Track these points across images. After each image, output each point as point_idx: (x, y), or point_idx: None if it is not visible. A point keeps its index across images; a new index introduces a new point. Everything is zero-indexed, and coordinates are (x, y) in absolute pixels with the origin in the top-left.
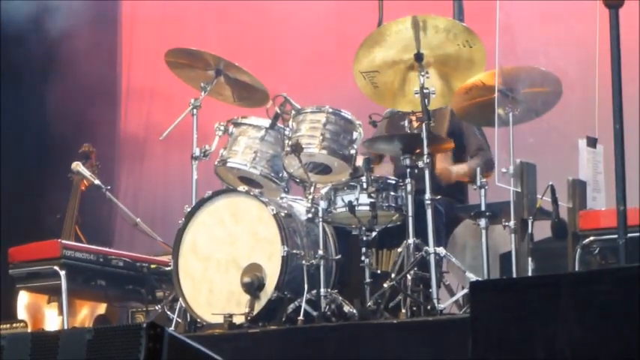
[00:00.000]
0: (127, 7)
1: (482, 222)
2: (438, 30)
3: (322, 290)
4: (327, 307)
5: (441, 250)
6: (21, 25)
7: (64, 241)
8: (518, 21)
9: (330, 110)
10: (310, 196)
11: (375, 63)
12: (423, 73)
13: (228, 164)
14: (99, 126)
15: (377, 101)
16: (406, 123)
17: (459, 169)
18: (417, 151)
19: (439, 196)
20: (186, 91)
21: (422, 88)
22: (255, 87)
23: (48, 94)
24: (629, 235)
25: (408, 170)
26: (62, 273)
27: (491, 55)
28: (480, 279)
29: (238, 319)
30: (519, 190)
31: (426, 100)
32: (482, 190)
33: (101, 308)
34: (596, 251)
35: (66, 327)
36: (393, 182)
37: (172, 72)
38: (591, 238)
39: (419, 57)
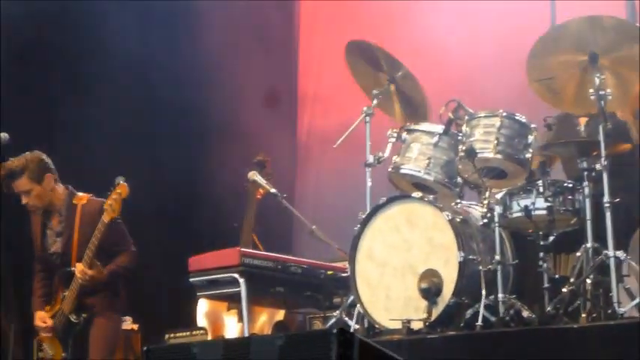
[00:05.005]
0: (305, 8)
1: None
2: (612, 30)
3: (500, 295)
4: (506, 312)
5: (621, 254)
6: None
7: (243, 249)
8: None
9: (505, 114)
10: (486, 201)
11: (549, 67)
12: (598, 75)
13: (402, 171)
14: (275, 134)
15: (557, 107)
16: (582, 127)
17: None
18: (594, 153)
19: (618, 199)
20: (359, 98)
21: (598, 89)
22: (422, 103)
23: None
24: None
25: (586, 173)
26: (242, 280)
27: None
28: None
29: (416, 325)
30: None
31: (602, 102)
32: None
33: (279, 315)
34: None
35: (246, 334)
36: (570, 185)
37: (346, 64)
38: None
39: (593, 58)
